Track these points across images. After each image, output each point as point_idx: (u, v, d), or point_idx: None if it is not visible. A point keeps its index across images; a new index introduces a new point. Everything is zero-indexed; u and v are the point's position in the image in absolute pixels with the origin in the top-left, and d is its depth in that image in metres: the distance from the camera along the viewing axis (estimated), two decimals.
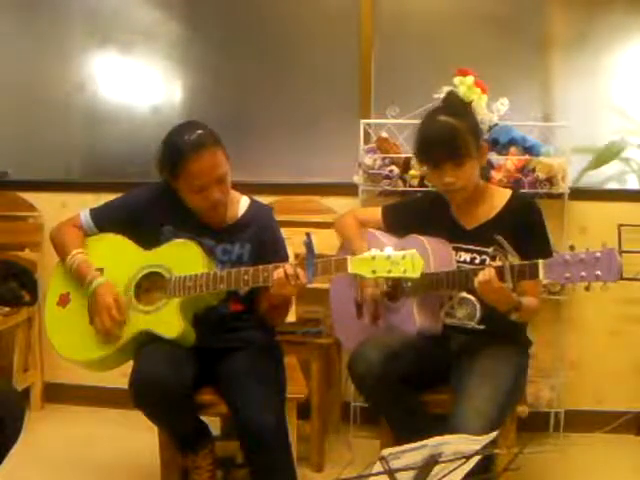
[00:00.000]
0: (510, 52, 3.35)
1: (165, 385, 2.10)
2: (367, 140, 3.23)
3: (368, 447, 2.97)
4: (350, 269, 2.07)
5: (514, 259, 2.10)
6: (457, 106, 2.42)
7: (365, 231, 2.54)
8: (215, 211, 2.31)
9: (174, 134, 2.28)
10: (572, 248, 2.03)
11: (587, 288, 1.99)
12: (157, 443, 2.42)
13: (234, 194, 2.40)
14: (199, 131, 2.25)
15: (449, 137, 2.26)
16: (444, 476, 1.50)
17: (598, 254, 1.97)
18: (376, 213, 2.59)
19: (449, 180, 2.28)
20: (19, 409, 2.09)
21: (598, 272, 1.96)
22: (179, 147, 2.23)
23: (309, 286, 2.16)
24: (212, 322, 2.33)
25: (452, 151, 2.25)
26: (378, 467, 1.43)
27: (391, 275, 2.03)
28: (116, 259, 2.33)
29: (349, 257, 2.08)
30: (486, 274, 2.09)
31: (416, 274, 2.01)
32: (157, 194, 2.37)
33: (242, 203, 2.43)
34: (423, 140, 2.34)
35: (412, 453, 1.45)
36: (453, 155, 2.26)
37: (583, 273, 1.98)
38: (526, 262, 2.09)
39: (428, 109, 2.49)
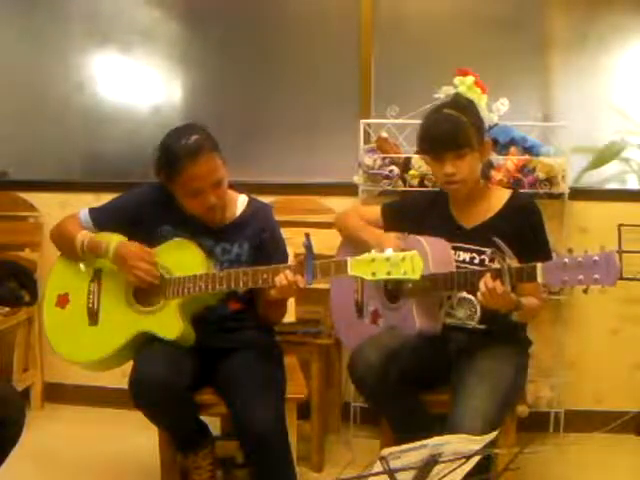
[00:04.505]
0: (510, 52, 3.34)
1: (165, 385, 2.10)
2: (367, 140, 3.23)
3: (368, 447, 2.97)
4: (350, 271, 2.06)
5: (512, 261, 2.10)
6: (462, 102, 2.43)
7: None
8: (211, 214, 2.31)
9: (170, 138, 2.27)
10: (570, 251, 2.02)
11: (585, 290, 1.99)
12: (157, 443, 2.42)
13: (232, 193, 2.40)
14: (195, 136, 2.24)
15: (451, 128, 2.27)
16: (444, 476, 1.50)
17: (596, 257, 1.96)
18: (376, 212, 2.58)
19: (449, 170, 2.28)
20: (20, 410, 2.09)
21: (596, 276, 1.95)
22: (175, 152, 2.22)
23: (309, 286, 2.16)
24: (212, 322, 2.33)
25: (453, 141, 2.26)
26: (378, 467, 1.43)
27: (391, 277, 2.02)
28: None
29: (349, 259, 2.07)
30: (489, 284, 2.09)
31: (416, 276, 2.00)
32: (156, 194, 2.37)
33: (240, 202, 2.43)
34: (426, 130, 2.34)
35: (412, 453, 1.45)
36: (454, 145, 2.26)
37: (581, 276, 1.98)
38: (524, 265, 2.09)
39: (429, 108, 2.49)
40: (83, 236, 2.32)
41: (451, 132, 2.27)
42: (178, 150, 2.22)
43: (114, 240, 2.28)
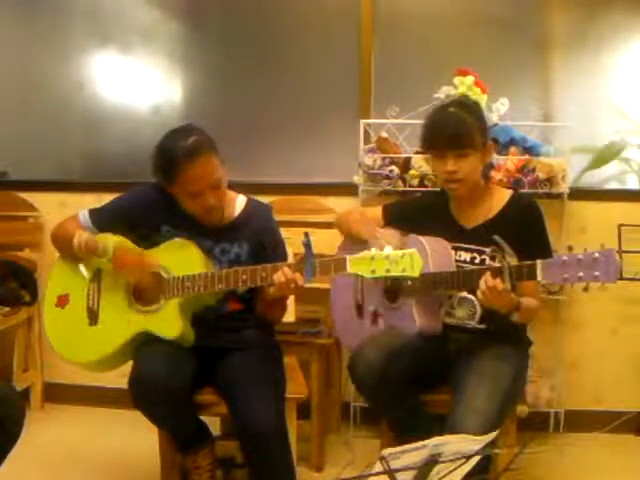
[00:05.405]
0: (510, 52, 3.35)
1: (165, 385, 2.10)
2: (367, 140, 3.23)
3: (368, 447, 2.97)
4: (349, 269, 2.06)
5: (512, 260, 2.10)
6: (468, 103, 2.44)
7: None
8: (210, 215, 2.30)
9: (168, 140, 2.26)
10: (570, 249, 2.03)
11: (585, 289, 1.99)
12: (157, 443, 2.42)
13: (230, 194, 2.39)
14: (193, 137, 2.23)
15: (456, 126, 2.28)
16: (444, 476, 1.50)
17: (596, 255, 1.97)
18: (376, 212, 2.58)
19: (451, 168, 2.29)
20: (20, 410, 2.08)
21: (596, 273, 1.96)
22: (173, 154, 2.21)
23: (309, 286, 2.17)
24: (211, 322, 2.33)
25: (457, 140, 2.27)
26: (378, 467, 1.43)
27: (390, 274, 2.02)
28: None
29: (348, 257, 2.07)
30: (489, 282, 2.09)
31: (415, 273, 2.00)
32: (155, 194, 2.36)
33: (238, 202, 2.42)
34: (430, 127, 2.35)
35: (412, 453, 1.45)
36: (457, 144, 2.27)
37: (581, 274, 1.98)
38: (524, 263, 2.09)
39: (434, 107, 2.49)
40: (80, 235, 2.30)
41: (455, 130, 2.27)
42: (176, 152, 2.21)
43: (111, 241, 2.28)
